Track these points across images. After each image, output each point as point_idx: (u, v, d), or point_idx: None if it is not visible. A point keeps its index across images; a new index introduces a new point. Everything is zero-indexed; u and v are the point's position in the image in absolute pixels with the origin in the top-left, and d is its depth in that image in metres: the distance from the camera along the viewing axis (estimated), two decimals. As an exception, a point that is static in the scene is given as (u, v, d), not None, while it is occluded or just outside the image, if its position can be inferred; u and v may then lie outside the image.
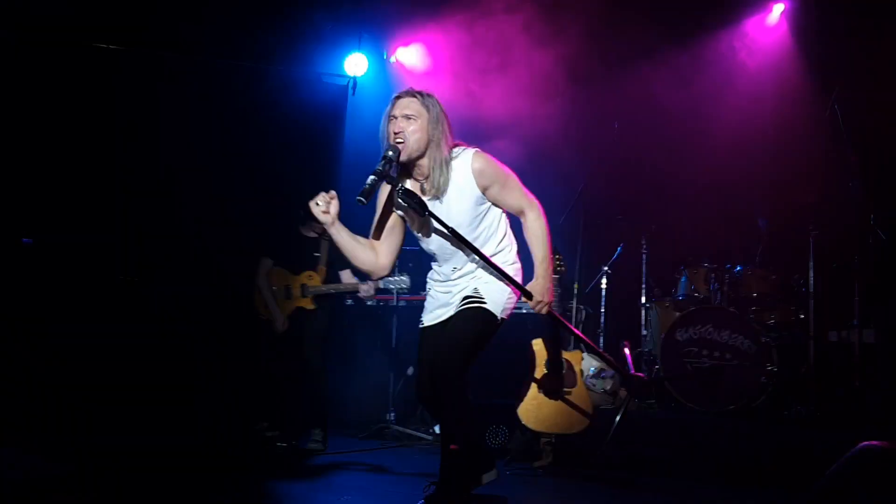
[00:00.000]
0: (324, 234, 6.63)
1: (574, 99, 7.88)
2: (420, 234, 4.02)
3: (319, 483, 5.08)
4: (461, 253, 3.96)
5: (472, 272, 3.98)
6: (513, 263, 4.05)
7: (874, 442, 3.04)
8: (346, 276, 6.48)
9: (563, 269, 5.89)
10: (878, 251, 6.18)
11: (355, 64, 8.54)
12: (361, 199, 3.69)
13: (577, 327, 6.35)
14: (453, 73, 8.10)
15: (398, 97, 3.91)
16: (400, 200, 3.85)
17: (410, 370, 7.19)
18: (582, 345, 5.77)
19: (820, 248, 6.33)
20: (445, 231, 3.83)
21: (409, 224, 4.05)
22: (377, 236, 4.04)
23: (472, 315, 3.89)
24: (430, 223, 3.92)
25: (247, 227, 7.47)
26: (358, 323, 7.83)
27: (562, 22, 7.94)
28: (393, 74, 8.57)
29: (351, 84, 8.56)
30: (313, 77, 8.47)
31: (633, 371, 5.23)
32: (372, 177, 3.73)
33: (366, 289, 6.39)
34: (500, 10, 8.13)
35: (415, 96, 3.88)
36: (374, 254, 4.00)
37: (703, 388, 6.11)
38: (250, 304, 6.70)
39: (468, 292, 3.94)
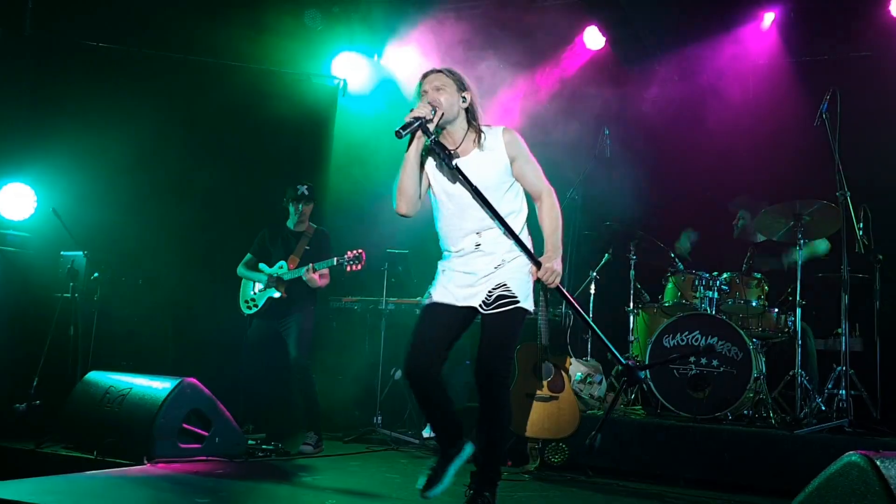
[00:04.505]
0: (307, 230, 6.61)
1: (564, 104, 7.89)
2: (443, 195, 4.02)
3: (305, 486, 5.07)
4: (480, 220, 3.95)
5: (493, 251, 3.97)
6: (522, 234, 4.07)
7: (860, 451, 3.05)
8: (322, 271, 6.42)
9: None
10: (865, 261, 6.22)
11: (345, 65, 8.55)
12: (401, 131, 3.79)
13: (565, 333, 6.36)
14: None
15: (426, 75, 4.08)
16: (432, 149, 3.94)
17: (398, 374, 7.18)
18: (568, 344, 5.77)
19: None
20: (469, 190, 3.87)
21: (432, 186, 4.06)
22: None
23: (513, 318, 3.95)
24: (454, 183, 3.97)
25: (236, 225, 7.49)
26: (345, 326, 7.82)
27: (552, 27, 7.96)
28: (384, 76, 8.56)
29: (341, 85, 8.56)
30: (303, 78, 8.46)
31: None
32: (412, 118, 3.82)
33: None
34: (490, 11, 8.14)
35: (441, 71, 4.07)
36: (419, 192, 4.05)
37: (690, 394, 6.13)
38: (235, 302, 6.72)
39: (497, 287, 3.93)
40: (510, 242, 3.93)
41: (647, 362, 6.46)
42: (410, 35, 8.31)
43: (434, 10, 8.25)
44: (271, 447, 6.06)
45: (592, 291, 7.28)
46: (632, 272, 7.08)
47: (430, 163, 4.05)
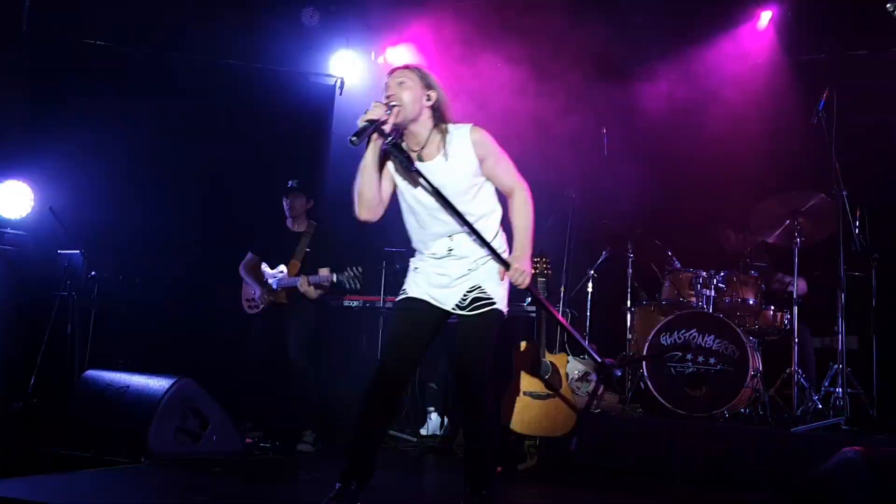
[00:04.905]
0: (307, 229, 6.62)
1: (563, 103, 7.88)
2: (411, 198, 3.93)
3: (303, 484, 5.07)
4: (451, 223, 3.85)
5: (465, 255, 3.90)
6: (496, 237, 3.99)
7: (856, 447, 3.06)
8: (324, 273, 6.37)
9: (549, 272, 5.90)
10: (861, 259, 6.23)
11: (342, 64, 8.54)
12: (354, 139, 3.66)
13: (562, 331, 6.36)
14: (441, 73, 8.08)
15: (391, 72, 3.96)
16: (391, 152, 3.83)
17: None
18: (561, 331, 5.76)
19: (804, 254, 6.37)
20: (431, 194, 3.78)
21: (399, 189, 3.97)
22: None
23: (491, 321, 3.90)
24: (417, 187, 3.87)
25: (234, 224, 7.49)
26: (344, 325, 7.81)
27: (551, 25, 7.95)
28: (380, 74, 8.55)
29: (338, 84, 8.56)
30: (300, 77, 8.46)
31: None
32: (365, 122, 3.70)
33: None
34: (488, 9, 8.13)
35: (407, 68, 3.96)
36: (380, 196, 3.94)
37: (687, 392, 6.13)
38: (233, 300, 6.73)
39: (472, 290, 3.88)
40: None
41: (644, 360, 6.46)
42: (408, 33, 8.31)
43: (432, 7, 8.25)
44: (269, 445, 6.06)
45: (590, 290, 7.29)
46: (629, 270, 7.09)
47: (397, 164, 3.92)
